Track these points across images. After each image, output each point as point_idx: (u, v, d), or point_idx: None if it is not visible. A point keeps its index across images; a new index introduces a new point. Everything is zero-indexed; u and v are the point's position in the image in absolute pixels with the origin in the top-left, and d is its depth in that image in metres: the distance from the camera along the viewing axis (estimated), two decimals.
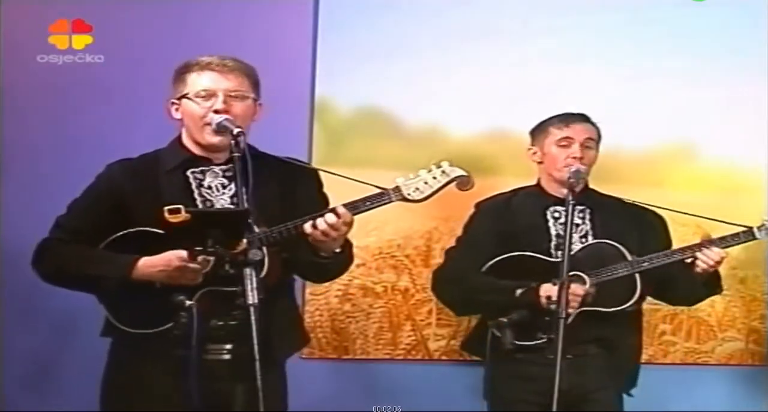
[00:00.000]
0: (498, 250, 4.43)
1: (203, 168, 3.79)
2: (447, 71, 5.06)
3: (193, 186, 3.77)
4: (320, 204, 3.83)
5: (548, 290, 4.25)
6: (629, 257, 4.32)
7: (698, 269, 4.29)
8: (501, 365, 4.40)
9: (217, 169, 3.78)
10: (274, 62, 4.92)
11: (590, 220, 4.44)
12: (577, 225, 4.42)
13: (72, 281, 3.78)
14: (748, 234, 4.31)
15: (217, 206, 3.74)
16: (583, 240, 4.40)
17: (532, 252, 4.34)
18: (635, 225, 4.41)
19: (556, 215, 4.43)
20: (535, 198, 4.46)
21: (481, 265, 4.44)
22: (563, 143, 4.44)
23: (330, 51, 5.04)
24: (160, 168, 3.80)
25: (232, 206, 3.73)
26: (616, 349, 4.38)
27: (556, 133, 4.47)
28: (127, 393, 3.74)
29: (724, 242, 4.30)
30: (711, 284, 4.37)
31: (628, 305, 4.30)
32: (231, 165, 3.73)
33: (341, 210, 3.68)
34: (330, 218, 3.66)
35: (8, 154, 4.93)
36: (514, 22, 5.07)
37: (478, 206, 4.58)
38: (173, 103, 3.81)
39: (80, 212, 3.80)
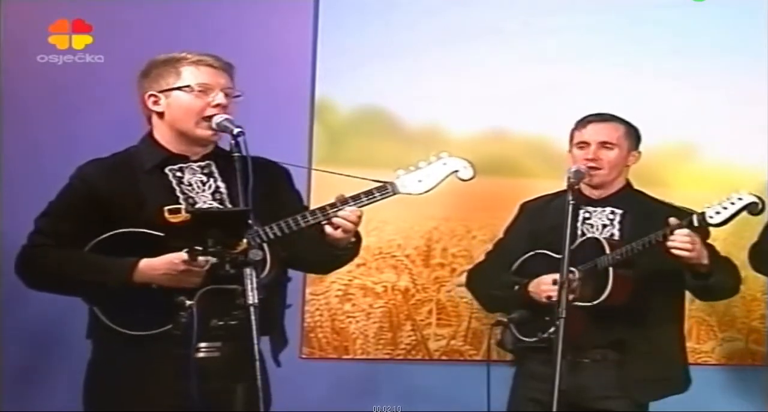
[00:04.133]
0: (530, 249, 4.48)
1: (181, 165, 3.77)
2: (447, 71, 5.06)
3: (174, 184, 3.75)
4: (297, 200, 3.87)
5: (535, 285, 4.32)
6: (608, 251, 4.33)
7: (676, 256, 4.24)
8: (521, 364, 4.49)
9: (195, 166, 3.77)
10: (274, 62, 4.94)
11: (620, 222, 4.45)
12: (605, 226, 4.44)
13: (66, 289, 3.75)
14: (690, 224, 4.22)
15: (200, 203, 3.73)
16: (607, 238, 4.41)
17: (554, 250, 4.34)
18: None
19: (586, 215, 4.45)
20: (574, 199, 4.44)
21: (512, 263, 4.50)
22: (580, 146, 4.47)
23: (330, 51, 5.04)
24: (137, 167, 3.77)
25: (215, 203, 3.73)
26: (632, 354, 4.36)
27: (576, 136, 4.51)
28: (117, 394, 3.70)
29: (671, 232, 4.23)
30: (705, 274, 4.28)
31: (599, 300, 4.28)
32: (208, 162, 3.75)
33: (352, 207, 3.68)
34: (347, 213, 3.67)
35: (8, 154, 4.93)
36: (514, 22, 5.07)
37: (521, 206, 4.65)
38: (152, 96, 3.78)
39: (60, 214, 3.74)
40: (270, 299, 3.56)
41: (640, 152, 4.55)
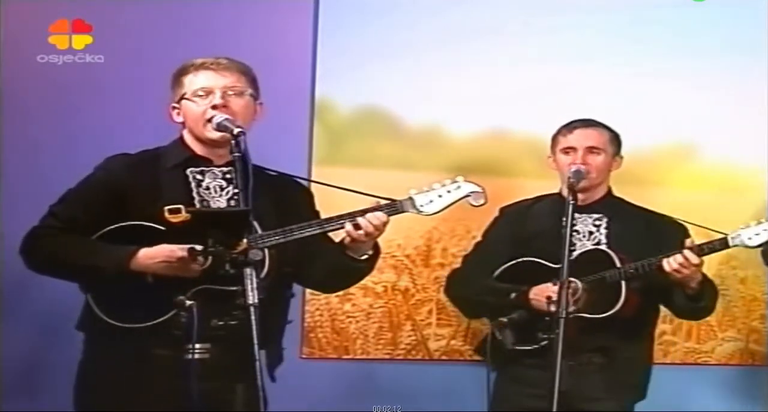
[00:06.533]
0: (512, 254, 4.48)
1: (203, 168, 3.78)
2: (447, 71, 5.06)
3: (192, 185, 3.76)
4: (313, 220, 3.84)
5: (538, 292, 4.31)
6: (618, 264, 4.33)
7: (672, 277, 4.27)
8: (503, 368, 4.47)
9: (216, 170, 3.77)
10: (274, 62, 4.93)
11: (606, 228, 4.45)
12: (591, 233, 4.45)
13: (64, 271, 3.74)
14: (723, 242, 4.27)
15: (214, 207, 3.73)
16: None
17: (543, 257, 4.34)
18: (653, 236, 4.39)
19: (571, 221, 4.44)
20: (554, 204, 4.45)
21: (494, 269, 4.50)
22: (567, 151, 4.47)
23: (330, 51, 5.04)
24: (161, 165, 3.79)
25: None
26: (618, 359, 4.37)
27: (562, 141, 4.50)
28: (105, 389, 3.69)
29: (700, 249, 4.26)
30: (695, 297, 4.32)
31: (611, 311, 4.29)
32: (231, 167, 3.73)
33: (380, 214, 3.69)
34: (372, 217, 3.68)
35: (8, 154, 4.93)
36: (514, 22, 5.07)
37: (501, 210, 4.64)
38: (174, 108, 3.81)
39: (77, 201, 3.76)
40: (268, 312, 3.55)
41: (622, 157, 4.55)
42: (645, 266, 4.29)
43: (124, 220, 3.69)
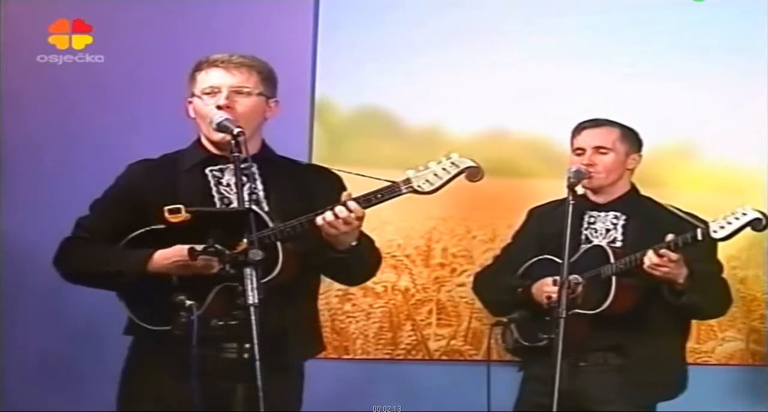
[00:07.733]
0: (537, 254, 4.47)
1: (222, 166, 3.78)
2: (447, 71, 5.06)
3: (212, 184, 3.77)
4: None
5: (539, 286, 4.31)
6: (612, 260, 4.32)
7: (655, 275, 4.23)
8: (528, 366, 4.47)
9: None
10: (274, 62, 4.92)
11: (623, 227, 4.44)
12: (608, 230, 4.44)
13: (92, 279, 3.77)
14: (693, 236, 4.18)
15: (235, 203, 3.73)
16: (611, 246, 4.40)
17: (560, 255, 4.33)
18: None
19: (591, 220, 4.45)
20: (577, 206, 4.42)
21: (518, 268, 4.50)
22: (578, 152, 4.47)
23: (330, 51, 5.04)
24: (179, 167, 3.80)
25: (248, 204, 3.71)
26: (633, 358, 4.35)
27: (573, 142, 4.50)
28: (144, 391, 3.72)
29: (674, 244, 4.18)
30: (678, 292, 4.25)
31: (601, 308, 4.27)
32: (249, 163, 3.69)
33: (352, 204, 3.66)
34: (340, 211, 3.65)
35: (8, 154, 4.94)
36: (515, 22, 5.08)
37: (529, 212, 4.64)
38: (189, 103, 3.81)
39: (100, 211, 3.80)
40: (299, 302, 3.59)
41: (640, 156, 4.53)
42: (632, 260, 4.27)
43: (147, 225, 3.70)
